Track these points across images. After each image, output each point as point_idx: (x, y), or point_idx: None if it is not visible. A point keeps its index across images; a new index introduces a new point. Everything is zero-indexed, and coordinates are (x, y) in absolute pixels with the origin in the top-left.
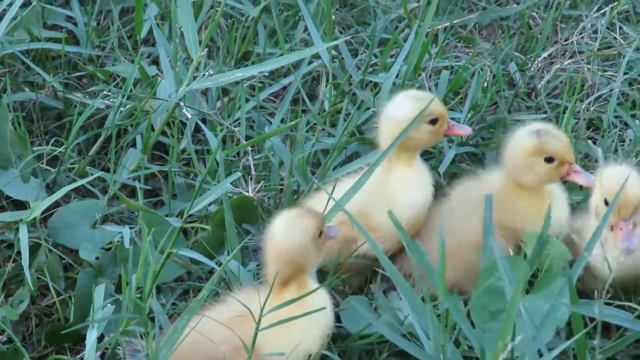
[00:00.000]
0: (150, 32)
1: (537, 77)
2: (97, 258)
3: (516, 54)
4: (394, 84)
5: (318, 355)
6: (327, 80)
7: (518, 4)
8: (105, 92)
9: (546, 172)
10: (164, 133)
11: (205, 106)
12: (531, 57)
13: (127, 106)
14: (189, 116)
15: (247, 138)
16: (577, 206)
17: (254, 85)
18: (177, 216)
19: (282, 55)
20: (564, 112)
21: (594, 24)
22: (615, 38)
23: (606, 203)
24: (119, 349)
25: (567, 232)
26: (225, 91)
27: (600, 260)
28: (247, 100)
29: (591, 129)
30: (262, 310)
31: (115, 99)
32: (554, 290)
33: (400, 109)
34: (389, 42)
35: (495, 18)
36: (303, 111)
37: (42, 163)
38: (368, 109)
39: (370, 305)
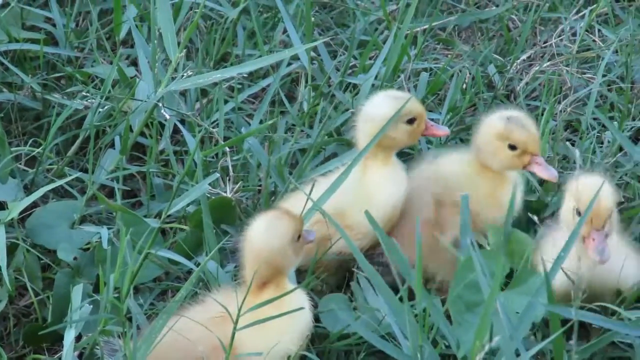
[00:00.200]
0: (129, 33)
1: (515, 79)
2: (75, 258)
3: (495, 56)
4: (373, 85)
5: (297, 355)
6: (306, 81)
7: (497, 6)
8: (83, 93)
9: (508, 158)
10: (142, 134)
11: (183, 107)
12: (510, 59)
13: (106, 107)
14: (168, 117)
15: (226, 139)
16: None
17: (232, 86)
18: (155, 217)
19: (261, 56)
20: (542, 114)
21: (573, 26)
22: (594, 41)
23: (579, 214)
24: (97, 349)
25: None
26: (204, 92)
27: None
28: (225, 102)
29: (570, 131)
30: (239, 310)
31: (93, 100)
32: (530, 287)
33: (378, 108)
34: (368, 44)
35: (474, 20)
36: (282, 112)
37: (20, 163)
38: (347, 110)
39: (349, 305)
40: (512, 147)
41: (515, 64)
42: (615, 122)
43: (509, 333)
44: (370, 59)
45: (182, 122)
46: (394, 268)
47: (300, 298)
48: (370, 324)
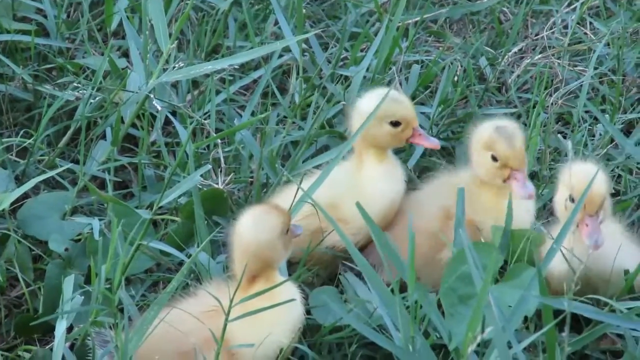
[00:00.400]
0: (120, 24)
1: (507, 71)
2: (66, 249)
3: (487, 48)
4: (364, 77)
5: (290, 348)
6: (298, 73)
7: None
8: (75, 84)
9: (490, 169)
10: (133, 125)
11: (175, 99)
12: (501, 51)
13: (97, 98)
14: (159, 108)
15: (217, 131)
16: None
17: (224, 78)
18: (146, 208)
19: (252, 48)
20: (534, 107)
21: (565, 19)
22: (585, 33)
23: (572, 200)
24: (88, 340)
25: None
26: (195, 84)
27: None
28: (217, 93)
29: (562, 124)
30: (231, 301)
31: (85, 91)
32: (523, 281)
33: (366, 105)
34: (360, 36)
35: (465, 13)
36: (273, 104)
37: (12, 154)
38: (338, 102)
39: (340, 297)
40: (494, 159)
41: (506, 57)
42: (607, 115)
43: (501, 325)
44: (361, 51)
45: (174, 113)
46: (386, 262)
47: (291, 290)
48: (362, 317)
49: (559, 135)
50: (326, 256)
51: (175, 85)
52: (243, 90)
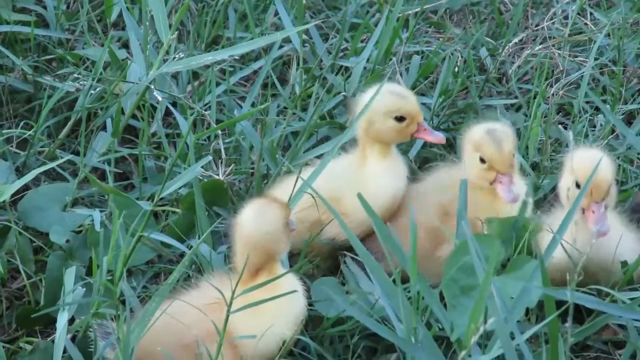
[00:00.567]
0: (120, 15)
1: (507, 62)
2: (67, 241)
3: (487, 39)
4: (364, 68)
5: (292, 340)
6: (298, 64)
7: None
8: (75, 75)
9: (479, 171)
10: (134, 116)
11: (175, 90)
12: (502, 42)
13: (97, 89)
14: (160, 99)
15: (218, 122)
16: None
17: (224, 69)
18: (147, 199)
19: (252, 39)
20: (534, 97)
21: (565, 9)
22: (585, 24)
23: (578, 186)
24: (90, 332)
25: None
26: (195, 75)
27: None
28: (217, 84)
29: (562, 115)
30: (233, 293)
31: (85, 82)
32: (526, 272)
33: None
34: (360, 27)
35: (466, 3)
36: (274, 95)
37: (12, 146)
38: (339, 93)
39: (341, 289)
40: (482, 161)
41: (507, 47)
42: (608, 105)
43: (504, 316)
44: (362, 41)
45: (174, 104)
46: (387, 254)
47: (293, 283)
48: (364, 308)
49: (560, 126)
50: (325, 247)
51: (175, 76)
52: (243, 81)
